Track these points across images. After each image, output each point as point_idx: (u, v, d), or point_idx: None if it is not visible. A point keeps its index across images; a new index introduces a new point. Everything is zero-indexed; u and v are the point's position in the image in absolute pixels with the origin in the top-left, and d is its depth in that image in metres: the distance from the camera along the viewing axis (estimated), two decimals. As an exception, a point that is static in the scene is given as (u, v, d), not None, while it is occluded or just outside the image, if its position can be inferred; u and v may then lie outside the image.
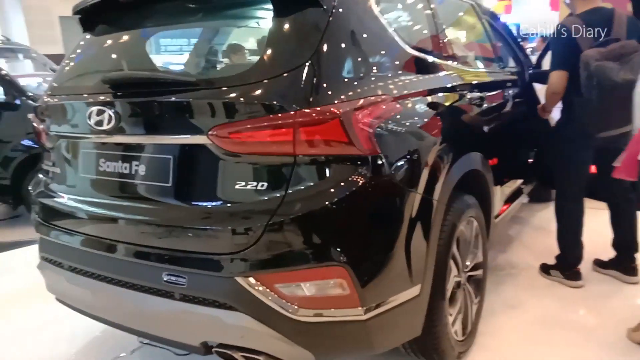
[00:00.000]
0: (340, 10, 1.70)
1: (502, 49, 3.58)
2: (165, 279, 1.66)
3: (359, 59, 1.74)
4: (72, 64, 2.11)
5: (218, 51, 2.27)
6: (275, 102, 1.52)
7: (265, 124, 1.52)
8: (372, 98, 1.65)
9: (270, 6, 1.69)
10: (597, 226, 3.13)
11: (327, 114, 1.51)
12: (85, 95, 1.87)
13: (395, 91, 1.78)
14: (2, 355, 2.55)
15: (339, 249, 1.52)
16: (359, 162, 1.57)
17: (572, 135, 2.79)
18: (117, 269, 1.80)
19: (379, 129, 1.63)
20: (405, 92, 1.83)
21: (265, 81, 1.55)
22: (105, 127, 1.74)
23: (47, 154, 2.14)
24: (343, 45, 1.69)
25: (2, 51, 6.12)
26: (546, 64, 3.27)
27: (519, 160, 3.37)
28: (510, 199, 3.14)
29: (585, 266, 3.09)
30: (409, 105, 1.83)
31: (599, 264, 3.15)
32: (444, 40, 2.36)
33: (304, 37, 1.63)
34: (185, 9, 1.93)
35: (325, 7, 1.65)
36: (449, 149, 1.95)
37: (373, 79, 1.73)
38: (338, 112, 1.52)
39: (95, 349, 2.55)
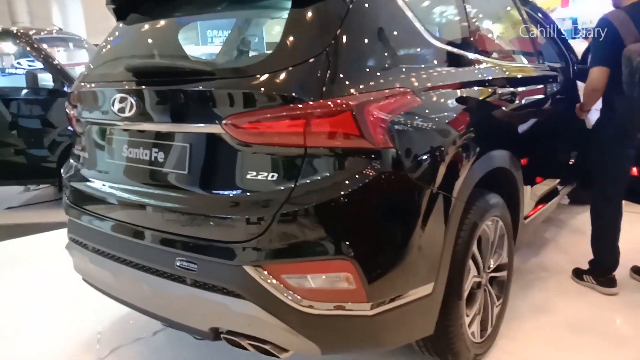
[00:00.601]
0: (361, 1, 1.67)
1: (543, 43, 3.43)
2: (177, 264, 1.70)
3: (379, 51, 1.71)
4: (103, 52, 2.18)
5: (235, 41, 2.28)
6: (287, 94, 1.52)
7: (276, 115, 1.52)
8: (389, 91, 1.62)
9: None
10: (639, 232, 2.96)
11: (339, 106, 1.50)
12: (111, 82, 1.92)
13: (416, 84, 1.74)
14: (28, 331, 2.68)
15: (346, 243, 1.51)
16: (371, 156, 1.54)
17: (612, 134, 2.66)
18: (134, 252, 1.85)
19: (394, 123, 1.59)
20: (427, 85, 1.78)
21: (278, 72, 1.55)
22: (127, 114, 1.78)
23: (78, 139, 2.22)
24: (362, 36, 1.66)
25: (54, 40, 6.40)
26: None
27: (554, 160, 3.23)
28: (543, 200, 3.02)
29: (621, 273, 2.94)
30: (430, 99, 1.79)
31: (637, 271, 2.99)
32: (475, 32, 2.29)
33: (321, 28, 1.61)
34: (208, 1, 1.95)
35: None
36: (471, 146, 1.89)
37: (392, 71, 1.70)
38: (350, 105, 1.50)
39: (119, 330, 2.65)
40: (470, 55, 2.17)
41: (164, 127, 1.77)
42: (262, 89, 1.55)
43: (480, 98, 2.12)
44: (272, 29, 1.78)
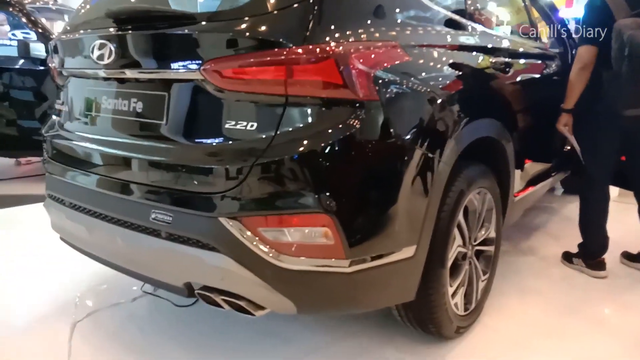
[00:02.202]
0: None
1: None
2: (152, 217, 1.64)
3: (372, 3, 1.65)
4: (85, 6, 2.11)
5: None
6: (268, 38, 1.46)
7: (257, 60, 1.47)
8: (376, 42, 1.56)
9: None
10: (633, 220, 2.91)
11: (321, 52, 1.44)
12: (92, 30, 1.86)
13: (406, 40, 1.68)
14: (3, 293, 2.62)
15: (325, 196, 1.46)
16: (354, 108, 1.49)
17: (599, 113, 2.59)
18: (109, 206, 1.80)
19: (379, 75, 1.54)
20: (416, 42, 1.73)
21: (261, 16, 1.49)
22: (106, 60, 1.72)
23: (59, 93, 2.16)
24: None
25: (50, 12, 6.30)
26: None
27: (547, 142, 3.17)
28: (534, 181, 2.96)
29: (612, 258, 2.91)
30: (420, 57, 1.73)
31: (628, 256, 2.96)
32: (474, 4, 2.24)
33: None
34: None
35: None
36: (460, 110, 1.84)
37: (382, 23, 1.64)
38: (333, 52, 1.45)
39: (98, 293, 2.60)
40: (464, 21, 2.12)
41: (143, 74, 1.71)
42: (243, 33, 1.49)
43: (473, 63, 2.07)
44: None
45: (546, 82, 2.94)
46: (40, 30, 5.07)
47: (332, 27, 1.50)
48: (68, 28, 2.06)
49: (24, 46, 4.91)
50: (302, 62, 1.44)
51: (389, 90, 1.56)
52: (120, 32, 1.71)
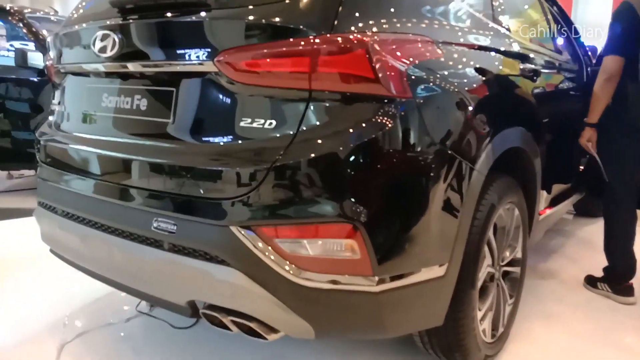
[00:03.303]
0: None
1: (562, 42, 3.27)
2: (154, 226, 1.47)
3: None
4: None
5: None
6: (291, 25, 1.31)
7: (278, 50, 1.31)
8: (410, 35, 1.42)
9: None
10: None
11: (352, 42, 1.29)
12: (93, 21, 1.71)
13: (439, 36, 1.54)
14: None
15: (351, 203, 1.29)
16: (385, 105, 1.33)
17: (624, 127, 2.45)
18: (106, 213, 1.62)
19: (413, 71, 1.39)
20: (452, 40, 1.59)
21: (281, 2, 1.34)
22: (109, 53, 1.57)
23: (55, 93, 2.00)
24: None
25: (50, 22, 6.19)
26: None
27: (570, 160, 3.03)
28: (556, 201, 2.81)
29: None
30: (455, 54, 1.59)
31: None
32: (503, 9, 2.12)
33: None
34: None
35: None
36: (494, 114, 1.69)
37: (415, 15, 1.50)
38: (365, 42, 1.29)
39: (89, 313, 2.40)
40: (497, 26, 2.00)
41: (149, 68, 1.55)
42: (262, 20, 1.34)
43: (504, 67, 1.93)
44: None
45: (567, 100, 2.82)
46: (38, 40, 4.95)
47: (363, 15, 1.36)
48: (68, 21, 1.92)
49: (21, 55, 4.77)
50: (329, 53, 1.29)
51: (423, 88, 1.41)
52: (125, 22, 1.56)
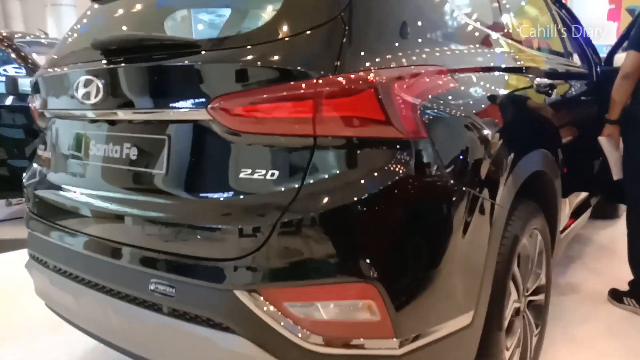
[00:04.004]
0: None
1: (570, 43, 3.14)
2: (151, 288, 1.34)
3: (409, 18, 1.38)
4: (72, 35, 1.84)
5: (228, 4, 1.88)
6: (291, 67, 1.19)
7: (278, 95, 1.18)
8: (420, 67, 1.29)
9: None
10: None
11: (359, 82, 1.16)
12: (76, 64, 1.59)
13: (452, 63, 1.41)
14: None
15: (367, 261, 1.16)
16: (399, 148, 1.20)
17: None
18: (100, 272, 1.50)
19: (427, 107, 1.26)
20: (464, 66, 1.46)
21: (281, 41, 1.22)
22: (93, 100, 1.44)
23: (42, 137, 1.88)
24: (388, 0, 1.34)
25: (40, 46, 6.08)
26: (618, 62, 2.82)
27: (586, 168, 2.90)
28: (577, 212, 2.67)
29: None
30: (468, 81, 1.46)
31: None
32: (510, 18, 1.98)
33: None
34: None
35: None
36: (515, 140, 1.56)
37: (423, 44, 1.37)
38: (374, 81, 1.17)
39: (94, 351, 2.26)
40: (506, 40, 1.86)
41: (137, 115, 1.43)
42: (260, 62, 1.21)
43: (521, 87, 1.80)
44: None
45: (581, 104, 2.68)
46: (30, 65, 4.83)
47: (368, 50, 1.23)
48: (51, 61, 1.79)
49: (12, 82, 4.65)
50: (334, 96, 1.16)
51: (437, 124, 1.28)
52: (109, 66, 1.43)
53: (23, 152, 4.86)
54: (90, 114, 1.53)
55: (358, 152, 1.19)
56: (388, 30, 1.31)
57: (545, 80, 2.00)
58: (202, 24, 1.47)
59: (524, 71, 1.86)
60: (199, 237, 1.28)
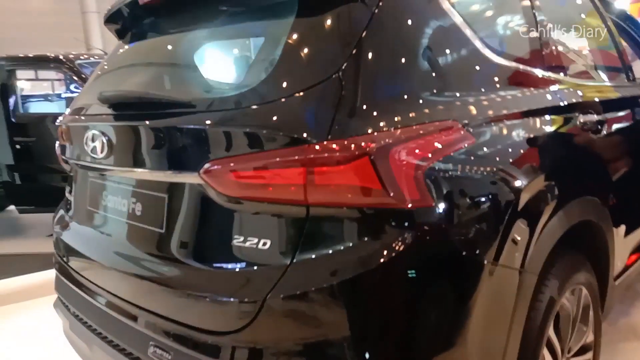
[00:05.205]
0: (391, 3, 1.24)
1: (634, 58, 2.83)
2: (150, 351, 1.31)
3: (414, 73, 1.26)
4: (94, 79, 1.87)
5: (223, 64, 1.85)
6: (282, 133, 1.11)
7: (268, 161, 1.11)
8: (429, 126, 1.17)
9: (293, 8, 1.27)
10: None
11: (352, 148, 1.06)
12: (87, 117, 1.60)
13: (468, 116, 1.27)
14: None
15: (364, 345, 1.06)
16: (400, 219, 1.09)
17: None
18: (109, 326, 1.50)
19: (434, 170, 1.13)
20: (484, 116, 1.31)
21: (272, 103, 1.14)
22: (99, 154, 1.44)
23: (69, 180, 1.92)
24: (390, 53, 1.22)
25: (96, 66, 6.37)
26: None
27: None
28: (638, 249, 2.40)
29: None
30: (487, 134, 1.31)
31: None
32: (548, 45, 1.78)
33: (334, 43, 1.20)
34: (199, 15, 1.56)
35: (366, 0, 1.21)
36: (546, 196, 1.39)
37: (433, 99, 1.24)
38: (368, 147, 1.06)
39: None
40: (543, 75, 1.68)
41: (137, 173, 1.41)
42: (250, 127, 1.14)
43: (558, 130, 1.61)
44: (271, 48, 1.38)
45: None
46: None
47: (367, 111, 1.12)
48: (74, 105, 1.82)
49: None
50: (326, 163, 1.07)
51: (446, 188, 1.15)
52: (112, 122, 1.42)
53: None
54: (99, 167, 1.52)
55: (355, 223, 1.10)
56: (392, 86, 1.19)
57: (593, 117, 1.79)
58: (201, 81, 1.43)
59: (564, 109, 1.66)
60: (192, 305, 1.23)
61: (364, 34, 1.18)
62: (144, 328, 1.35)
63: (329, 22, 1.20)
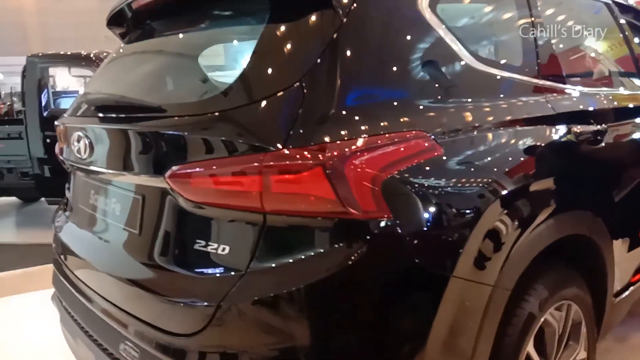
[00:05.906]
0: (362, 7, 1.22)
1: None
2: (121, 347, 1.34)
3: (381, 82, 1.24)
4: (90, 81, 1.93)
5: (190, 69, 1.83)
6: (241, 139, 1.11)
7: (227, 167, 1.12)
8: (393, 136, 1.15)
9: (265, 16, 1.27)
10: None
11: (307, 157, 1.06)
12: (77, 117, 1.65)
13: (436, 126, 1.24)
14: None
15: (315, 355, 1.06)
16: (355, 230, 1.08)
17: None
18: (89, 321, 1.55)
19: (393, 182, 1.12)
20: (455, 127, 1.28)
21: (233, 110, 1.15)
22: (83, 155, 1.49)
23: (68, 176, 1.99)
24: (357, 61, 1.21)
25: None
26: None
27: None
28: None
29: None
30: (459, 145, 1.28)
31: None
32: (544, 49, 1.71)
33: (298, 51, 1.19)
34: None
35: (337, 6, 1.20)
36: (520, 210, 1.34)
37: (400, 107, 1.22)
38: (322, 157, 1.06)
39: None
40: (534, 82, 1.62)
41: (114, 175, 1.45)
42: (213, 133, 1.16)
43: (546, 140, 1.54)
44: (239, 54, 1.39)
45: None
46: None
47: (329, 120, 1.11)
48: (71, 106, 1.88)
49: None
50: (283, 171, 1.07)
51: (409, 200, 1.13)
52: (92, 125, 1.47)
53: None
54: (85, 167, 1.57)
55: (311, 232, 1.09)
56: (357, 96, 1.18)
57: (591, 127, 1.71)
58: (171, 86, 1.45)
59: (554, 118, 1.59)
60: (155, 304, 1.26)
61: (330, 42, 1.17)
62: (116, 325, 1.39)
63: (296, 30, 1.20)
